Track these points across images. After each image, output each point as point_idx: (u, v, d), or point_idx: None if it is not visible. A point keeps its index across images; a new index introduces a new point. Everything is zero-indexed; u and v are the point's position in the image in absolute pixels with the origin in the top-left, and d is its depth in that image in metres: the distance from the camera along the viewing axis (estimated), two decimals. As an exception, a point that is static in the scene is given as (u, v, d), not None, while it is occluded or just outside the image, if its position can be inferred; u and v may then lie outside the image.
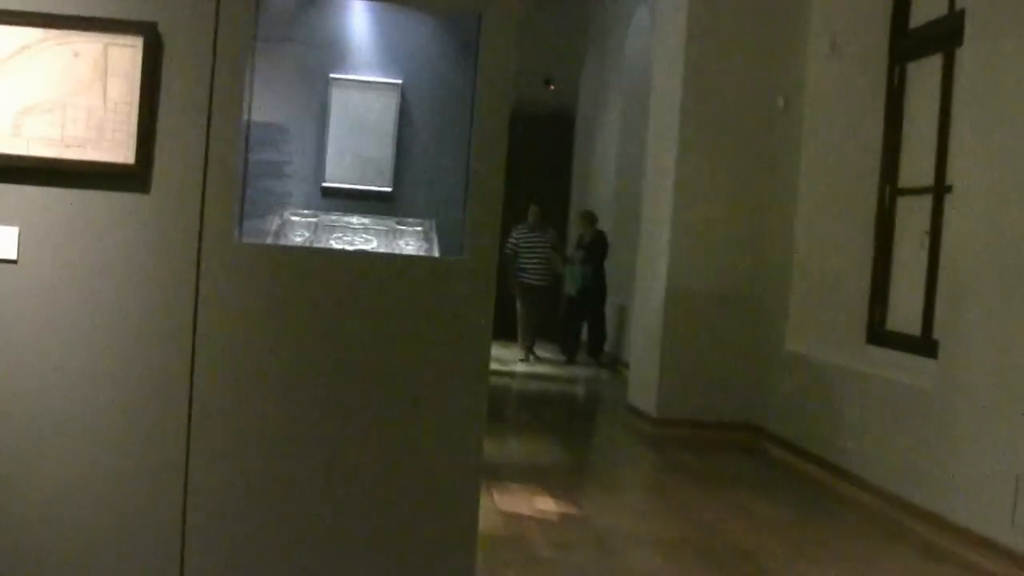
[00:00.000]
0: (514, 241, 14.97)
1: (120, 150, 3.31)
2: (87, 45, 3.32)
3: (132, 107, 3.30)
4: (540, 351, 15.49)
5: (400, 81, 4.07)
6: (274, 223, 3.80)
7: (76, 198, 3.32)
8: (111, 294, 3.32)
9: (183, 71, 3.33)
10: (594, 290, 14.95)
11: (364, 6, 3.94)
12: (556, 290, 15.54)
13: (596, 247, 14.88)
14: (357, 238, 3.74)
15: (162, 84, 3.33)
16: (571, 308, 15.35)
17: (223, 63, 3.33)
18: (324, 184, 4.08)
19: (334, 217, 3.88)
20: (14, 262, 3.31)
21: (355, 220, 3.86)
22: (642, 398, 9.86)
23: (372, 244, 3.72)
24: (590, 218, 15.19)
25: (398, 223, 3.84)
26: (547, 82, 18.33)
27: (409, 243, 3.71)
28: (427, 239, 3.75)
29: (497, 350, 13.06)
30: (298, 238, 3.71)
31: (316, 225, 3.78)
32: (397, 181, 4.08)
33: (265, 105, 3.85)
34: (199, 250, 3.32)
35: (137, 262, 3.32)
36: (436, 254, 3.67)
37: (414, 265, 3.50)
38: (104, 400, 3.32)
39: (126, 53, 3.32)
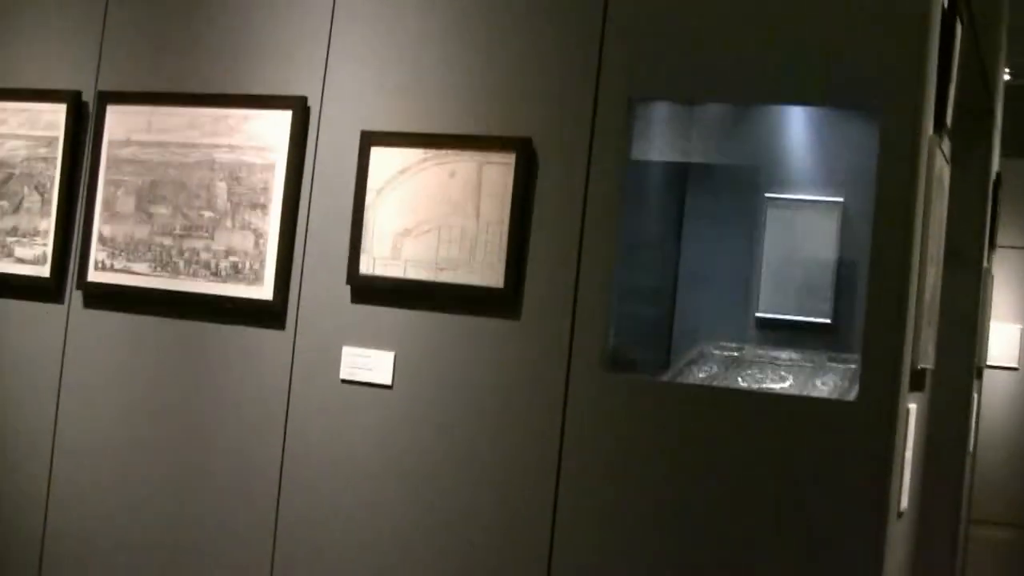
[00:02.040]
0: None
1: (491, 272, 3.16)
2: (463, 164, 3.22)
3: (503, 227, 3.17)
4: None
5: (842, 199, 3.65)
6: (690, 355, 3.49)
7: (448, 323, 3.22)
8: (478, 422, 3.16)
9: (556, 188, 3.12)
10: None
11: (799, 118, 3.54)
12: None
13: None
14: (772, 375, 3.34)
15: (534, 202, 3.16)
16: None
17: (597, 180, 3.09)
18: (758, 315, 3.74)
19: (760, 351, 3.51)
20: (389, 387, 3.28)
21: (784, 355, 3.46)
22: None
23: (786, 383, 3.29)
24: None
25: (831, 359, 3.38)
26: None
27: (827, 382, 3.25)
28: (855, 378, 3.28)
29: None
30: (702, 373, 3.37)
31: (732, 360, 3.42)
32: (838, 310, 3.64)
33: (695, 230, 3.60)
34: (567, 381, 3.09)
35: (504, 390, 3.14)
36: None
37: (790, 405, 3.01)
38: (472, 527, 3.16)
39: (499, 171, 3.17)
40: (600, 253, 3.08)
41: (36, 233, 3.80)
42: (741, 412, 2.95)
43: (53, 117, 3.80)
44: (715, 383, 3.27)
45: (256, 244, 3.45)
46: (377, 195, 3.29)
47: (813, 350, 3.47)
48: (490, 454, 3.15)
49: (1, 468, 3.81)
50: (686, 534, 2.97)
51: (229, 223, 3.50)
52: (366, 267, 3.30)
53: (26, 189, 3.83)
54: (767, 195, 3.70)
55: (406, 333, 3.26)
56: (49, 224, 3.77)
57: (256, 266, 3.45)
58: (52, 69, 3.85)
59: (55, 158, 3.79)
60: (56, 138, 3.79)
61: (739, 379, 3.29)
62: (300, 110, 3.42)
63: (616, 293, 3.25)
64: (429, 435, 3.21)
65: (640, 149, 3.27)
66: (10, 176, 3.87)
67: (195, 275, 3.53)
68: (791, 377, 3.28)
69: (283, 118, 3.44)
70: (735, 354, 3.45)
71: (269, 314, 3.42)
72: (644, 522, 3.01)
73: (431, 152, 3.25)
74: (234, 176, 3.50)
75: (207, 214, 3.53)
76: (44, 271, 3.76)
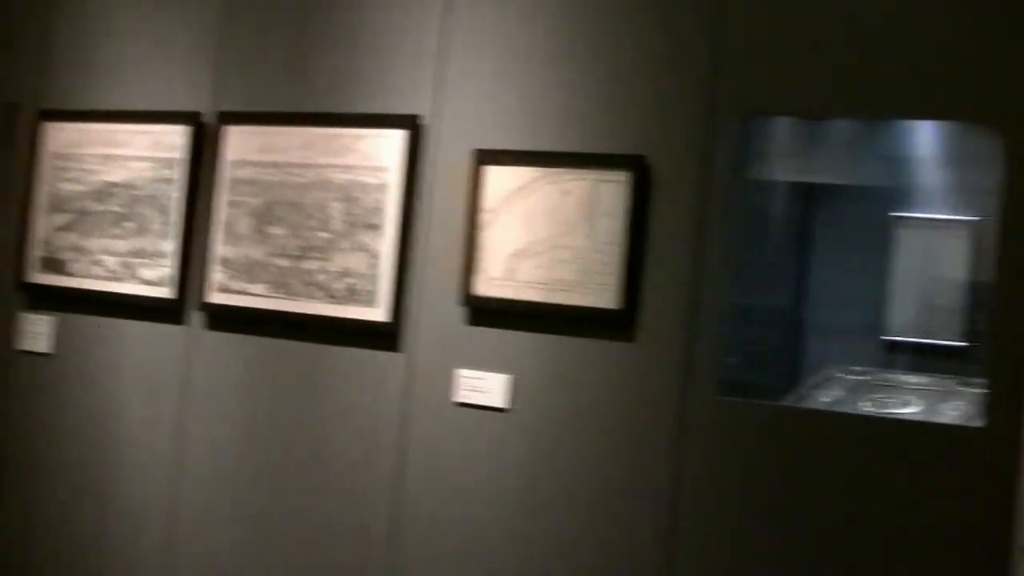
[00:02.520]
0: None
1: (605, 293, 3.07)
2: (578, 183, 3.13)
3: (618, 247, 3.07)
4: None
5: (974, 218, 3.48)
6: (815, 379, 3.36)
7: (562, 345, 3.13)
8: (591, 447, 3.07)
9: (671, 207, 3.01)
10: None
11: (928, 133, 3.38)
12: None
13: None
14: (899, 400, 3.19)
15: (649, 222, 3.07)
16: None
17: (713, 199, 2.97)
18: (886, 337, 3.59)
19: (888, 375, 3.35)
20: (503, 411, 3.21)
21: (912, 379, 3.30)
22: None
23: (913, 407, 3.13)
24: None
25: (961, 383, 3.21)
26: None
27: (957, 407, 3.09)
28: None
29: None
30: (826, 398, 3.24)
31: (858, 384, 3.27)
32: (971, 333, 3.47)
33: (823, 251, 3.46)
34: (682, 405, 2.99)
35: (618, 414, 3.04)
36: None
37: (913, 431, 2.85)
38: (585, 553, 3.07)
39: (614, 189, 3.07)
40: (716, 274, 2.97)
41: (160, 254, 3.83)
42: (861, 438, 2.80)
43: (175, 139, 3.83)
44: (839, 408, 3.13)
45: (370, 265, 3.42)
46: (490, 215, 3.24)
47: (943, 374, 3.32)
48: (603, 479, 3.06)
49: (127, 487, 3.86)
50: (803, 564, 2.84)
51: (344, 244, 3.47)
52: (479, 288, 3.24)
53: (150, 211, 3.87)
54: (896, 214, 3.55)
55: (519, 355, 3.19)
56: (171, 245, 3.81)
57: (371, 287, 3.41)
58: (174, 91, 3.88)
59: (177, 180, 3.82)
60: (177, 159, 3.82)
61: (864, 404, 3.15)
62: (413, 129, 3.38)
63: (737, 316, 3.15)
64: (542, 458, 3.14)
65: (761, 167, 3.16)
66: (135, 198, 3.91)
67: (311, 296, 3.52)
68: (919, 402, 3.13)
69: (396, 137, 3.40)
70: (862, 378, 3.31)
71: (384, 336, 3.39)
72: (760, 550, 2.89)
73: (544, 171, 3.18)
74: (349, 196, 3.48)
75: (322, 235, 3.51)
76: (167, 292, 3.80)
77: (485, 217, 3.24)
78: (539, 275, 3.17)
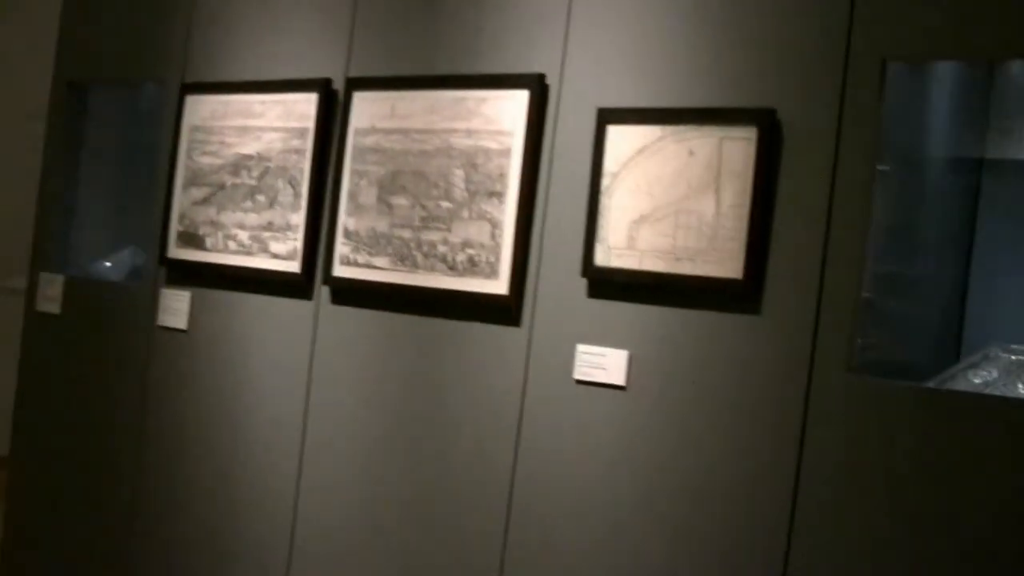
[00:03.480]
0: None
1: (730, 263, 2.79)
2: (702, 141, 2.86)
3: (744, 211, 2.80)
4: None
5: None
6: (973, 358, 3.00)
7: (683, 318, 2.88)
8: (712, 425, 2.81)
9: (802, 167, 2.72)
10: None
11: None
12: None
13: None
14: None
15: (778, 183, 2.78)
16: None
17: (847, 156, 2.68)
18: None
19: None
20: (623, 388, 2.98)
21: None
22: None
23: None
24: None
25: None
26: None
27: None
28: None
29: None
30: (977, 379, 2.87)
31: (1019, 364, 2.91)
32: None
33: (992, 220, 3.11)
34: (808, 383, 2.69)
35: (741, 391, 2.77)
36: None
37: None
38: (705, 534, 2.82)
39: (741, 147, 2.79)
40: (850, 241, 2.66)
41: (289, 227, 3.72)
42: (1008, 424, 2.47)
43: (306, 107, 3.71)
44: (989, 390, 2.77)
45: (492, 235, 3.23)
46: (613, 179, 3.00)
47: None
48: (724, 459, 2.79)
49: (258, 461, 3.78)
50: (936, 564, 2.53)
51: (466, 213, 3.28)
52: (601, 259, 3.01)
53: (280, 183, 3.76)
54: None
55: (640, 330, 2.94)
56: (300, 218, 3.70)
57: (492, 259, 3.22)
58: (305, 58, 3.76)
59: (307, 150, 3.70)
60: (308, 129, 3.70)
61: (1020, 386, 2.79)
62: (538, 88, 3.17)
63: (885, 287, 2.85)
64: (663, 437, 2.88)
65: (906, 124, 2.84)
66: (267, 170, 3.82)
67: (432, 269, 3.34)
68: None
69: (520, 98, 3.19)
70: (1024, 358, 2.95)
71: (504, 310, 3.19)
72: (887, 544, 2.57)
73: (668, 129, 2.92)
74: (471, 163, 3.29)
75: (445, 204, 3.33)
76: (295, 266, 3.69)
77: (607, 182, 3.02)
78: (661, 243, 2.91)
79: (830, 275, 2.68)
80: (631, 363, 2.94)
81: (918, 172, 3.06)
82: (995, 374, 2.88)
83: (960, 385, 2.83)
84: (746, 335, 2.78)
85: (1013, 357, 2.93)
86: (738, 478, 2.78)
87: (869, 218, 2.67)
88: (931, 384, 2.83)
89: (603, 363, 2.99)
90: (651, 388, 2.91)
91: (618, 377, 2.95)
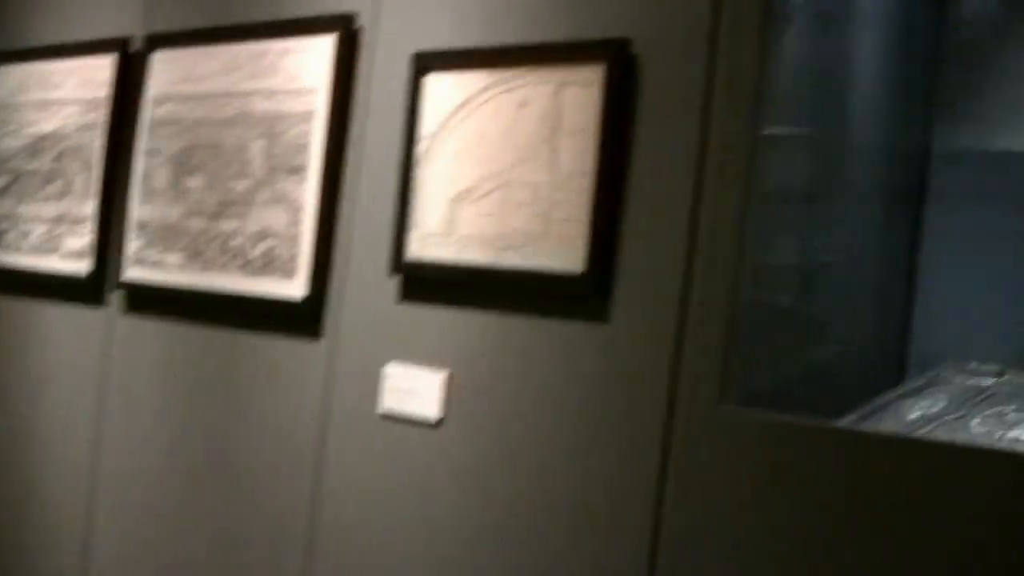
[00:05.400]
0: None
1: (569, 252, 2.05)
2: (536, 88, 2.12)
3: (588, 181, 2.07)
4: None
5: None
6: (919, 382, 2.25)
7: (514, 328, 2.12)
8: (550, 470, 2.04)
9: (664, 121, 1.97)
10: None
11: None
12: None
13: None
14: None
15: (634, 143, 2.05)
16: None
17: (724, 113, 1.93)
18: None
19: (1025, 379, 2.23)
20: (436, 422, 2.24)
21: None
22: None
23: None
24: None
25: None
26: None
27: None
28: None
29: None
30: (914, 412, 2.12)
31: (977, 392, 2.16)
32: None
33: (943, 203, 2.39)
34: (669, 415, 1.95)
35: (587, 426, 1.99)
36: None
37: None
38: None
39: (584, 95, 2.06)
40: (727, 225, 1.90)
41: (79, 220, 3.01)
42: (943, 476, 1.69)
43: (103, 74, 3.00)
44: (931, 428, 2.02)
45: (291, 223, 2.51)
46: (431, 143, 2.28)
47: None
48: (566, 509, 2.02)
49: (45, 492, 3.03)
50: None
51: (263, 195, 2.56)
52: (415, 250, 2.27)
53: (76, 165, 3.04)
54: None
55: (461, 343, 2.18)
56: (91, 208, 2.98)
57: (290, 253, 2.50)
58: (102, 14, 3.05)
59: (100, 124, 3.00)
60: (102, 99, 3.00)
61: (975, 422, 2.03)
62: (345, 33, 2.44)
63: (786, 291, 2.12)
64: (489, 479, 2.12)
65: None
66: (63, 151, 3.11)
67: (225, 268, 2.61)
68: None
69: (325, 46, 2.47)
70: (986, 381, 2.20)
71: (302, 318, 2.45)
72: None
73: (496, 75, 2.18)
74: (271, 132, 2.55)
75: (241, 185, 2.61)
76: (84, 267, 2.95)
77: (423, 147, 2.29)
78: (485, 227, 2.16)
79: (701, 270, 1.94)
80: (449, 387, 2.20)
81: (839, 142, 2.34)
82: (941, 403, 2.12)
83: (890, 420, 2.08)
84: (591, 350, 2.01)
85: (969, 381, 2.18)
86: (584, 530, 2.04)
87: (749, 189, 1.93)
88: (854, 417, 2.09)
89: (415, 388, 2.24)
90: (473, 419, 2.15)
91: (432, 406, 2.21)
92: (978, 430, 1.89)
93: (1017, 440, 1.83)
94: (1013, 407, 1.98)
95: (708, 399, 1.88)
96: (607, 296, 2.00)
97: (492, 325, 2.14)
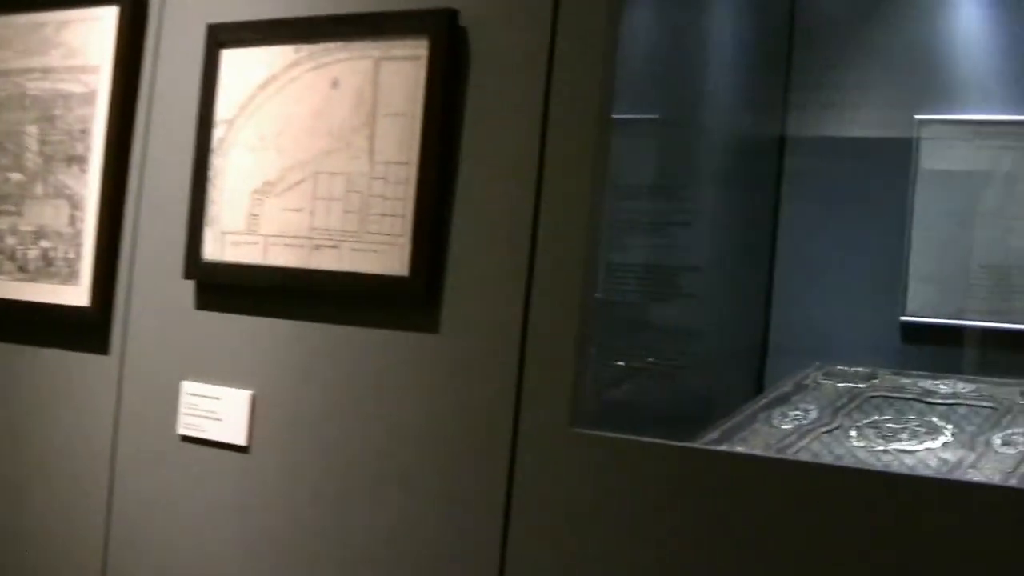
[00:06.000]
0: None
1: (392, 252, 1.80)
2: (351, 64, 1.88)
3: (411, 171, 1.83)
4: None
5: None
6: (783, 387, 2.07)
7: (329, 338, 1.87)
8: (381, 493, 1.80)
9: (499, 103, 1.75)
10: None
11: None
12: None
13: None
14: (917, 427, 1.88)
15: (463, 127, 1.82)
16: None
17: (564, 94, 1.72)
18: (904, 318, 2.31)
19: (904, 381, 2.03)
20: (242, 448, 1.98)
21: (945, 387, 1.96)
22: None
23: (937, 441, 1.81)
24: None
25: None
26: None
27: (1016, 437, 1.75)
28: None
29: None
30: (787, 423, 1.92)
31: (850, 398, 1.98)
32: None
33: (802, 188, 2.22)
34: (513, 438, 1.72)
35: (418, 450, 1.75)
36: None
37: (926, 492, 1.44)
38: None
39: (406, 72, 1.82)
40: (573, 213, 1.66)
41: None
42: (800, 495, 1.48)
43: None
44: (807, 440, 1.81)
45: (72, 220, 2.19)
46: (229, 128, 1.99)
47: (1003, 378, 2.01)
48: (402, 540, 1.78)
49: None
50: None
51: (40, 189, 2.23)
52: (212, 251, 1.98)
53: None
54: (919, 117, 2.27)
55: (269, 357, 1.91)
56: None
57: (71, 255, 2.17)
58: None
59: None
60: None
61: (852, 434, 1.84)
62: (132, 2, 2.13)
63: (637, 293, 1.91)
64: (302, 513, 1.84)
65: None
66: None
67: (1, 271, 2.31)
68: (948, 430, 1.82)
69: (108, 18, 2.15)
70: (859, 386, 2.02)
71: (87, 329, 2.13)
72: None
73: (304, 50, 1.90)
74: (48, 116, 2.23)
75: (15, 177, 2.28)
76: None
77: (220, 133, 2.00)
78: (293, 224, 1.88)
79: (546, 271, 1.71)
80: (255, 406, 1.93)
81: (697, 129, 2.14)
82: (813, 413, 1.93)
83: (761, 434, 1.88)
84: (420, 364, 1.76)
85: (839, 384, 2.01)
86: (424, 560, 1.80)
87: (602, 187, 1.72)
88: (721, 429, 1.89)
89: (217, 410, 1.97)
90: (282, 442, 1.88)
91: (238, 431, 1.93)
92: (856, 443, 1.71)
93: (901, 452, 1.64)
94: (889, 416, 1.81)
95: (556, 417, 1.64)
96: (437, 303, 1.75)
97: (304, 336, 1.87)
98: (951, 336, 2.18)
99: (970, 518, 1.34)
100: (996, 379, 1.88)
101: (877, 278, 2.24)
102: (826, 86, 2.36)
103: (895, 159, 2.31)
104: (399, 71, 1.80)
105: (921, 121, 2.26)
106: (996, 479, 1.49)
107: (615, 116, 1.71)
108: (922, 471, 1.56)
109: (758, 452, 1.69)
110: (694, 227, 2.08)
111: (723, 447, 1.71)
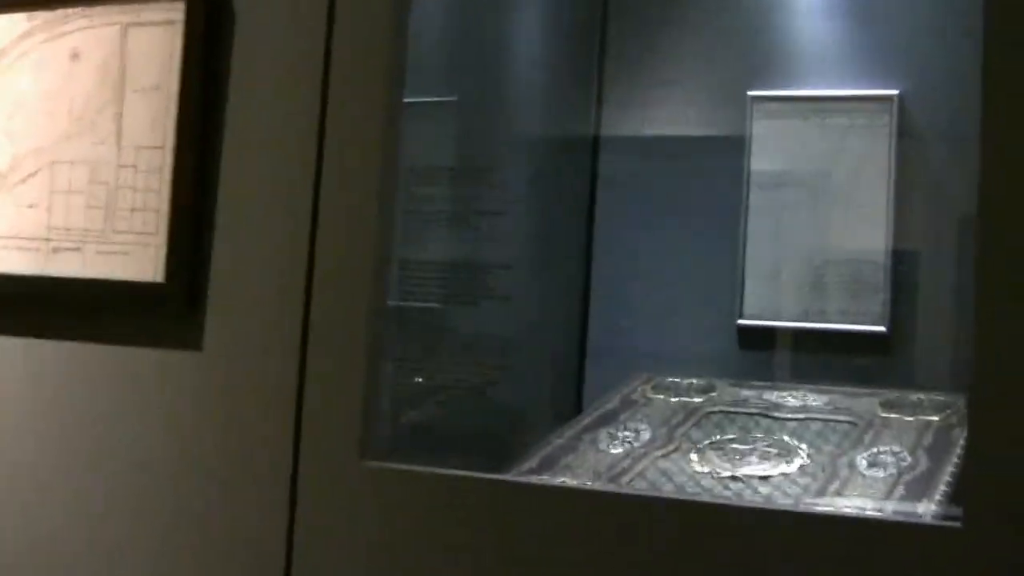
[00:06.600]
0: None
1: (141, 254, 1.54)
2: (93, 34, 1.60)
3: (165, 159, 1.56)
4: None
5: (896, 92, 2.00)
6: (606, 405, 1.84)
7: (69, 359, 1.60)
8: (117, 546, 1.54)
9: (270, 78, 1.50)
10: None
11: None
12: None
13: None
14: (766, 446, 1.65)
15: (227, 106, 1.55)
16: None
17: (343, 69, 1.45)
18: (741, 322, 2.11)
19: (746, 393, 1.83)
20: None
21: (794, 398, 1.77)
22: None
23: (791, 464, 1.57)
24: None
25: (887, 403, 1.69)
26: None
27: (879, 460, 1.53)
28: (933, 450, 1.56)
29: None
30: (616, 446, 1.68)
31: (687, 414, 1.75)
32: (903, 307, 1.98)
33: (619, 174, 2.00)
34: (294, 473, 1.47)
35: (186, 478, 1.48)
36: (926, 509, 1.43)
37: (779, 528, 1.19)
38: None
39: (159, 40, 1.54)
40: (359, 204, 1.38)
41: None
42: (665, 539, 1.25)
43: None
44: (641, 466, 1.58)
45: None
46: (-46, 111, 1.70)
47: (854, 385, 1.81)
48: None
49: None
50: None
51: None
52: (-65, 255, 1.70)
53: None
54: (753, 93, 2.07)
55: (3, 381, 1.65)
56: None
57: None
58: None
59: None
60: None
61: (692, 457, 1.61)
62: None
63: (433, 298, 1.67)
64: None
65: None
66: None
67: None
68: (803, 451, 1.60)
69: None
70: (695, 400, 1.81)
71: None
72: None
73: (39, 17, 1.61)
74: None
75: None
76: None
77: (-56, 117, 1.71)
78: (28, 221, 1.58)
79: (329, 273, 1.45)
80: (-14, 445, 1.63)
81: (503, 114, 1.91)
82: (646, 434, 1.69)
83: (588, 459, 1.64)
84: (178, 386, 1.47)
85: (673, 398, 1.78)
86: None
87: (394, 170, 1.46)
88: (542, 454, 1.65)
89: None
90: (10, 491, 1.61)
91: (-39, 472, 1.63)
92: (699, 468, 1.48)
93: (751, 478, 1.42)
94: (733, 435, 1.58)
95: (344, 448, 1.38)
96: (199, 314, 1.47)
97: (44, 356, 1.56)
98: (795, 340, 1.99)
99: (846, 556, 1.12)
100: (849, 388, 1.68)
101: (711, 279, 2.04)
102: (647, 71, 2.17)
103: (727, 151, 2.13)
104: (150, 39, 1.50)
105: (754, 98, 2.08)
106: (869, 509, 1.27)
107: (408, 91, 1.46)
108: (782, 502, 1.33)
109: (586, 484, 1.45)
110: (505, 218, 1.85)
111: (544, 478, 1.48)
